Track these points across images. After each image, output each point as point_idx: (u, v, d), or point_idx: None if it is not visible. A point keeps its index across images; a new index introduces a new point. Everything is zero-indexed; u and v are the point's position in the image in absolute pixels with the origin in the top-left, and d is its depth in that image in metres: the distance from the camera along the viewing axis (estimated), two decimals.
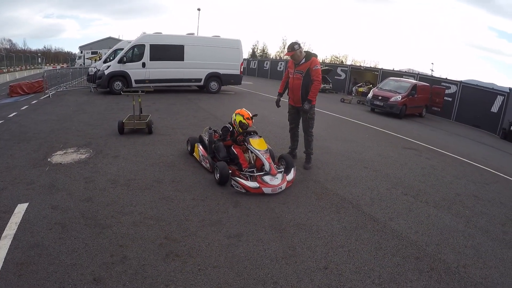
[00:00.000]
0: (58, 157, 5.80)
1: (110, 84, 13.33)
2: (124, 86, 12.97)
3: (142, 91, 7.54)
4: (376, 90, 17.05)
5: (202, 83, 14.80)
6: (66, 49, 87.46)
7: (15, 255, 3.08)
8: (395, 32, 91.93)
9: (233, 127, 5.55)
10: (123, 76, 13.15)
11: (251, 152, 5.25)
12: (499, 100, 16.68)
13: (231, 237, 3.66)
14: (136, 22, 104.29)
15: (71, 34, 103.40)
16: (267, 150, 5.16)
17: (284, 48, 49.63)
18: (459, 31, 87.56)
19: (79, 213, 3.91)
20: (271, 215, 4.23)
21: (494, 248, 4.18)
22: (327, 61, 47.31)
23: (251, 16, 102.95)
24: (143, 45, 13.27)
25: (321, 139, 8.27)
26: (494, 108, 16.90)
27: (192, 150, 6.09)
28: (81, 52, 38.93)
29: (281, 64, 30.88)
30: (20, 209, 3.90)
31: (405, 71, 23.40)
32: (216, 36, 15.58)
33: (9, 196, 4.22)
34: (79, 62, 35.83)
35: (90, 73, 15.05)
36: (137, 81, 13.21)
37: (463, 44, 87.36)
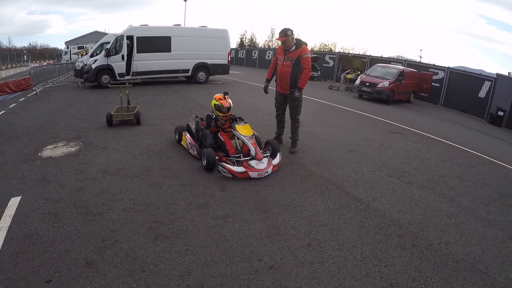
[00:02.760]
0: (49, 151, 5.88)
1: (97, 78, 13.34)
2: (112, 79, 12.98)
3: (129, 83, 7.61)
4: (364, 76, 17.22)
5: (189, 73, 14.86)
6: (52, 45, 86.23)
7: (11, 246, 3.21)
8: (385, 19, 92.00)
9: (216, 115, 5.62)
10: (110, 70, 13.14)
11: (237, 138, 5.34)
12: (486, 85, 16.98)
13: (217, 219, 3.83)
14: (122, 15, 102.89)
15: (57, 30, 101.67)
16: (252, 135, 5.26)
17: (272, 37, 49.48)
18: (448, 18, 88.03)
19: (71, 203, 4.04)
20: (256, 197, 4.40)
21: (476, 226, 4.37)
22: (316, 49, 47.32)
23: (239, 5, 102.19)
24: (131, 37, 13.18)
25: (307, 125, 8.44)
26: (482, 94, 17.21)
27: (180, 139, 6.19)
28: (67, 48, 38.52)
29: (269, 53, 30.92)
30: (14, 203, 4.01)
31: (394, 58, 23.56)
32: (203, 26, 15.60)
33: (2, 191, 4.30)
34: (65, 57, 35.49)
35: (77, 68, 14.98)
36: (120, 75, 13.22)
37: (452, 31, 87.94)
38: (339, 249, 3.48)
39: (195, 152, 5.56)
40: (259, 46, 47.15)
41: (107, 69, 13.25)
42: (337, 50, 42.15)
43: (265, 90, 6.43)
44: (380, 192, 5.00)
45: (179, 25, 15.57)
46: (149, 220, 3.71)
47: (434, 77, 18.85)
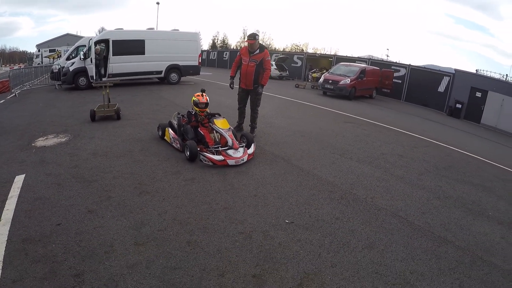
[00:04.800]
0: (41, 142, 6.74)
1: (75, 80, 14.01)
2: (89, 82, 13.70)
3: (110, 84, 8.64)
4: (327, 74, 18.62)
5: (162, 75, 15.84)
6: (22, 48, 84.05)
7: (23, 206, 4.11)
8: (358, 20, 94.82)
9: (195, 110, 6.21)
10: (86, 72, 13.85)
11: (216, 131, 6.03)
12: (445, 80, 18.84)
13: (187, 180, 5.04)
14: (93, 16, 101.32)
15: (27, 32, 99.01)
16: (229, 128, 5.95)
17: (244, 38, 50.61)
18: (419, 19, 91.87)
19: (70, 175, 5.08)
20: (217, 167, 5.60)
21: (404, 188, 5.59)
22: (288, 49, 48.84)
23: (211, 7, 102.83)
24: (107, 41, 13.99)
25: (268, 117, 9.67)
26: (441, 88, 19.06)
27: (163, 134, 6.76)
28: (39, 51, 38.18)
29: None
30: (19, 179, 4.87)
31: (361, 57, 25.07)
32: (175, 29, 16.64)
33: (6, 172, 5.01)
34: (37, 61, 35.18)
35: (54, 71, 15.51)
36: (92, 78, 13.91)
37: (423, 31, 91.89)
38: (279, 198, 4.72)
39: (178, 145, 6.13)
40: (231, 47, 48.14)
41: (84, 72, 13.93)
42: (309, 51, 43.69)
43: (231, 86, 7.33)
44: (321, 164, 6.24)
45: (152, 28, 16.54)
46: (134, 183, 4.86)
47: (396, 74, 20.54)
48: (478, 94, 17.79)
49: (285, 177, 5.46)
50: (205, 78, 19.64)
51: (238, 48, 41.28)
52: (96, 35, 15.86)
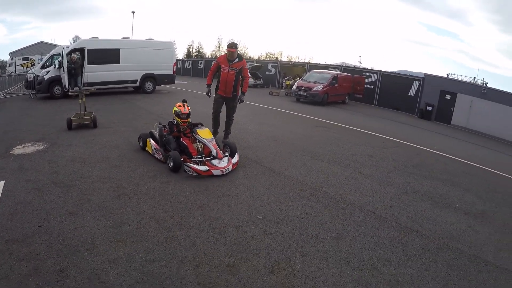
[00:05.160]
0: (19, 150, 6.79)
1: (50, 89, 13.92)
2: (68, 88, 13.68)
3: (86, 92, 8.79)
4: (300, 81, 19.15)
5: (138, 84, 15.94)
6: None
7: (5, 210, 4.21)
8: (332, 28, 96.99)
9: (176, 121, 6.18)
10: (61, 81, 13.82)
11: (199, 141, 5.99)
12: (415, 85, 19.81)
13: (163, 183, 5.31)
14: (68, 24, 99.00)
15: None
16: (212, 138, 5.94)
17: (219, 47, 51.01)
18: (392, 27, 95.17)
19: (49, 181, 5.23)
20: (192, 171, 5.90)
21: (373, 185, 6.00)
22: (262, 58, 49.53)
23: (186, 16, 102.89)
24: (82, 49, 13.98)
25: (241, 123, 9.99)
26: (412, 92, 20.03)
27: (145, 145, 6.65)
28: (12, 59, 37.33)
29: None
30: None
31: (334, 65, 25.81)
32: (150, 39, 16.81)
33: None
34: (10, 69, 34.36)
35: (29, 79, 15.35)
36: (65, 87, 13.82)
37: (397, 39, 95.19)
38: (251, 196, 5.06)
39: (161, 156, 6.05)
40: (207, 56, 48.37)
41: (59, 80, 13.87)
42: (284, 59, 44.42)
43: (209, 94, 7.43)
44: (292, 165, 6.62)
45: (127, 37, 16.64)
46: (112, 186, 5.09)
47: (368, 80, 21.32)
48: (448, 97, 18.83)
49: (257, 178, 5.79)
50: (180, 87, 19.82)
51: (213, 57, 41.56)
52: (70, 43, 15.80)
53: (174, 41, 18.15)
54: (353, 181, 6.07)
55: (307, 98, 17.75)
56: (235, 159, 5.97)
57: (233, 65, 7.04)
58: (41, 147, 6.99)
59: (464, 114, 18.24)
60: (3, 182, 5.10)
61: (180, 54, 50.02)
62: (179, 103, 6.25)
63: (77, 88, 13.60)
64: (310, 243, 3.98)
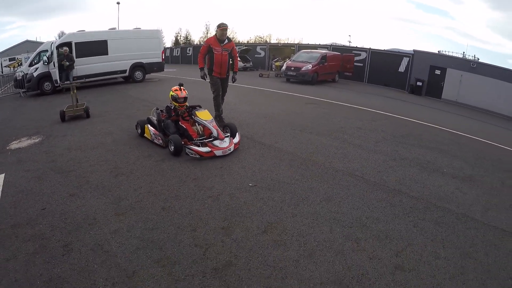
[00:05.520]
0: (15, 145, 6.90)
1: (40, 86, 13.90)
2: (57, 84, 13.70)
3: (77, 84, 8.89)
4: (289, 62, 19.23)
5: (127, 73, 15.98)
6: None
7: (7, 199, 4.37)
8: (320, 9, 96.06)
9: (174, 105, 6.14)
10: (50, 77, 13.83)
11: (198, 124, 5.97)
12: (405, 61, 19.98)
13: (158, 161, 5.52)
14: (53, 21, 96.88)
15: None
16: (212, 119, 5.90)
17: (207, 33, 50.58)
18: (380, 6, 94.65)
19: (48, 169, 5.40)
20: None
21: (361, 154, 6.19)
22: (252, 41, 49.18)
23: (172, 4, 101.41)
24: (70, 43, 13.95)
25: (231, 104, 10.07)
26: (401, 68, 20.19)
27: (143, 132, 6.59)
28: None
29: None
30: None
31: (323, 45, 25.72)
32: (137, 28, 16.79)
33: None
34: None
35: (17, 78, 15.25)
36: (56, 81, 13.80)
37: (386, 17, 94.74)
38: (243, 167, 5.27)
39: (161, 141, 5.99)
40: (195, 43, 47.97)
41: (49, 76, 13.86)
42: (273, 41, 44.12)
43: (205, 77, 7.17)
44: (282, 139, 6.81)
45: (114, 28, 16.60)
46: (109, 168, 5.28)
47: (357, 58, 21.43)
48: (438, 72, 19.04)
49: (248, 151, 6.00)
50: (170, 75, 19.83)
51: (201, 43, 41.27)
52: (56, 39, 15.69)
53: (161, 29, 18.01)
54: (342, 151, 6.26)
55: (297, 78, 17.86)
56: (236, 139, 5.98)
57: (225, 46, 7.05)
58: (37, 140, 7.11)
59: (454, 88, 18.51)
60: (3, 174, 5.23)
61: (168, 43, 49.55)
62: (175, 87, 6.19)
63: (68, 82, 13.56)
64: (301, 205, 4.20)
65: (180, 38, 54.29)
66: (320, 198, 4.39)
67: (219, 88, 7.34)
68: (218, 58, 7.04)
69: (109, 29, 16.05)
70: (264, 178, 4.91)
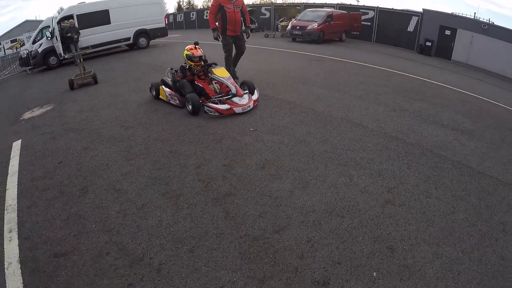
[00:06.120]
0: (28, 115, 7.15)
1: (45, 61, 14.08)
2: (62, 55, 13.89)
3: (83, 52, 9.10)
4: (295, 21, 18.86)
5: (131, 41, 15.94)
6: None
7: (26, 159, 4.67)
8: None
9: (189, 64, 5.97)
10: (55, 51, 13.95)
11: (215, 82, 5.87)
12: (414, 20, 19.31)
13: (165, 114, 5.81)
14: None
15: None
16: (230, 76, 5.73)
17: None
18: None
19: (62, 130, 5.69)
20: None
21: (361, 104, 6.23)
22: (257, 3, 48.06)
23: None
24: (71, 16, 13.99)
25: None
26: (410, 28, 19.55)
27: (158, 94, 6.50)
28: (0, 44, 36.88)
29: (206, 12, 31.62)
30: (17, 144, 5.26)
31: (333, 3, 24.91)
32: None
33: (2, 143, 5.42)
34: None
35: (23, 56, 15.30)
36: (60, 55, 13.88)
37: None
38: (244, 115, 5.51)
39: (177, 101, 5.88)
40: (198, 7, 47.06)
41: (53, 51, 13.99)
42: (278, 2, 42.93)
43: (218, 38, 6.94)
44: (284, 91, 6.93)
45: None
46: (120, 123, 5.59)
47: (365, 17, 20.84)
48: (448, 32, 18.35)
49: None
50: (174, 40, 19.80)
51: (206, 7, 40.48)
52: (57, 15, 15.62)
53: None
54: (343, 101, 6.36)
55: (303, 37, 17.58)
56: (255, 96, 5.89)
57: (235, 3, 6.82)
58: (49, 108, 7.36)
59: (464, 49, 17.81)
60: (19, 140, 5.49)
61: (171, 9, 48.63)
62: (190, 46, 6.04)
63: (72, 53, 13.61)
64: (298, 146, 4.44)
65: (182, 4, 53.32)
66: (317, 140, 4.61)
67: (232, 49, 7.17)
68: (232, 16, 6.82)
69: None
70: (264, 124, 5.15)
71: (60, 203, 3.48)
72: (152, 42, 16.81)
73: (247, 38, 7.34)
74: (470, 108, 7.10)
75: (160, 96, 6.43)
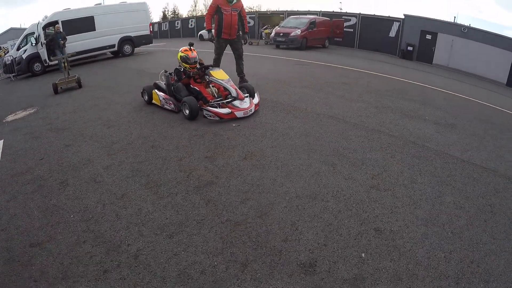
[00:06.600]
0: (11, 117, 7.07)
1: (30, 67, 13.89)
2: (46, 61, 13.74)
3: (68, 56, 9.06)
4: (278, 28, 19.12)
5: (116, 48, 15.85)
6: None
7: (7, 157, 4.57)
8: None
9: (183, 67, 5.67)
10: (40, 57, 13.84)
11: (212, 86, 5.57)
12: (395, 26, 19.84)
13: (148, 113, 5.85)
14: (35, 6, 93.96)
15: None
16: (229, 79, 5.41)
17: (195, 6, 49.73)
18: None
19: (45, 130, 5.64)
20: None
21: (344, 103, 6.29)
22: None
23: None
24: (57, 22, 13.89)
25: (221, 67, 10.19)
26: (392, 33, 20.06)
27: (150, 99, 6.16)
28: None
29: (192, 21, 31.74)
30: None
31: (316, 11, 25.28)
32: (123, 2, 16.60)
33: None
34: None
35: (7, 63, 15.11)
36: (45, 61, 13.75)
37: None
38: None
39: (172, 106, 5.57)
40: (183, 16, 47.25)
41: (38, 57, 13.85)
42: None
43: (212, 39, 6.83)
44: (266, 91, 6.97)
45: (100, 3, 16.46)
46: (102, 122, 5.59)
47: (347, 23, 21.26)
48: (429, 37, 18.93)
49: None
50: (159, 48, 19.80)
51: (190, 16, 40.64)
52: (40, 21, 15.43)
53: (146, 1, 17.69)
54: (325, 100, 6.46)
55: (286, 43, 17.80)
56: (256, 100, 5.62)
57: (234, 6, 6.64)
58: (32, 111, 7.28)
59: (445, 53, 18.47)
60: (1, 140, 5.39)
61: (156, 18, 48.73)
62: (184, 48, 5.75)
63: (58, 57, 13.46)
64: (280, 139, 4.51)
65: (167, 13, 53.48)
66: (300, 134, 4.69)
67: (221, 51, 7.02)
68: (228, 19, 6.61)
69: (95, 4, 15.91)
70: (247, 121, 5.19)
71: (39, 196, 3.47)
72: (136, 50, 16.74)
73: (244, 44, 7.35)
74: (451, 105, 7.31)
75: (153, 101, 6.10)
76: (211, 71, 5.46)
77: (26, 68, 13.71)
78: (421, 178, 3.62)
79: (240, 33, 7.19)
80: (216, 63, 7.00)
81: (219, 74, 5.45)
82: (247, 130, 4.77)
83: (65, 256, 2.57)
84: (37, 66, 13.78)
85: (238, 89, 5.43)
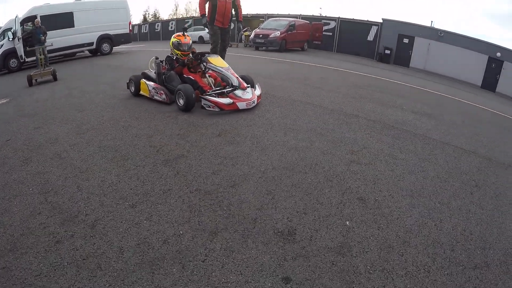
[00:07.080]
0: None
1: (5, 63, 13.50)
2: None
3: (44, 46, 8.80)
4: (258, 30, 19.12)
5: (94, 46, 15.53)
6: None
7: None
8: None
9: (176, 54, 5.25)
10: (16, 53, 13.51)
11: (209, 75, 5.11)
12: (373, 30, 20.18)
13: (122, 99, 5.76)
14: (13, 3, 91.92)
15: None
16: (229, 66, 4.94)
17: (176, 10, 49.61)
18: None
19: (16, 116, 5.43)
20: None
21: (321, 93, 6.38)
22: None
23: None
24: (35, 17, 13.52)
25: None
26: (370, 37, 20.37)
27: (138, 90, 5.62)
28: None
29: (172, 23, 31.54)
30: None
31: (296, 14, 25.51)
32: None
33: None
34: None
35: None
36: (21, 57, 13.37)
37: None
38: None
39: (163, 96, 5.03)
40: (163, 19, 46.99)
41: (14, 52, 13.42)
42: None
43: (207, 24, 6.57)
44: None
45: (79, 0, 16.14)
46: (74, 108, 5.46)
47: (327, 27, 21.46)
48: (406, 40, 19.35)
49: None
50: (138, 48, 19.60)
51: (171, 18, 40.39)
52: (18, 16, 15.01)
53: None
54: (303, 90, 6.51)
55: (265, 45, 17.82)
56: (258, 91, 5.11)
57: None
58: (4, 101, 7.07)
59: (422, 56, 18.99)
60: None
61: (136, 21, 48.28)
62: (177, 33, 5.36)
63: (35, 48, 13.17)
64: (256, 119, 4.49)
65: (148, 16, 53.09)
66: (277, 116, 4.69)
67: (218, 40, 6.70)
68: (222, 7, 6.41)
69: (75, 0, 15.61)
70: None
71: (0, 173, 3.29)
72: (115, 49, 16.46)
73: (239, 32, 7.07)
74: (429, 99, 7.52)
75: (141, 92, 5.54)
76: (208, 58, 4.94)
77: (2, 64, 13.27)
78: (402, 155, 3.66)
79: (232, 24, 7.10)
80: (214, 52, 6.59)
81: (217, 62, 4.95)
82: (222, 113, 4.71)
83: (17, 228, 2.39)
84: (13, 62, 13.37)
85: (239, 78, 4.89)
